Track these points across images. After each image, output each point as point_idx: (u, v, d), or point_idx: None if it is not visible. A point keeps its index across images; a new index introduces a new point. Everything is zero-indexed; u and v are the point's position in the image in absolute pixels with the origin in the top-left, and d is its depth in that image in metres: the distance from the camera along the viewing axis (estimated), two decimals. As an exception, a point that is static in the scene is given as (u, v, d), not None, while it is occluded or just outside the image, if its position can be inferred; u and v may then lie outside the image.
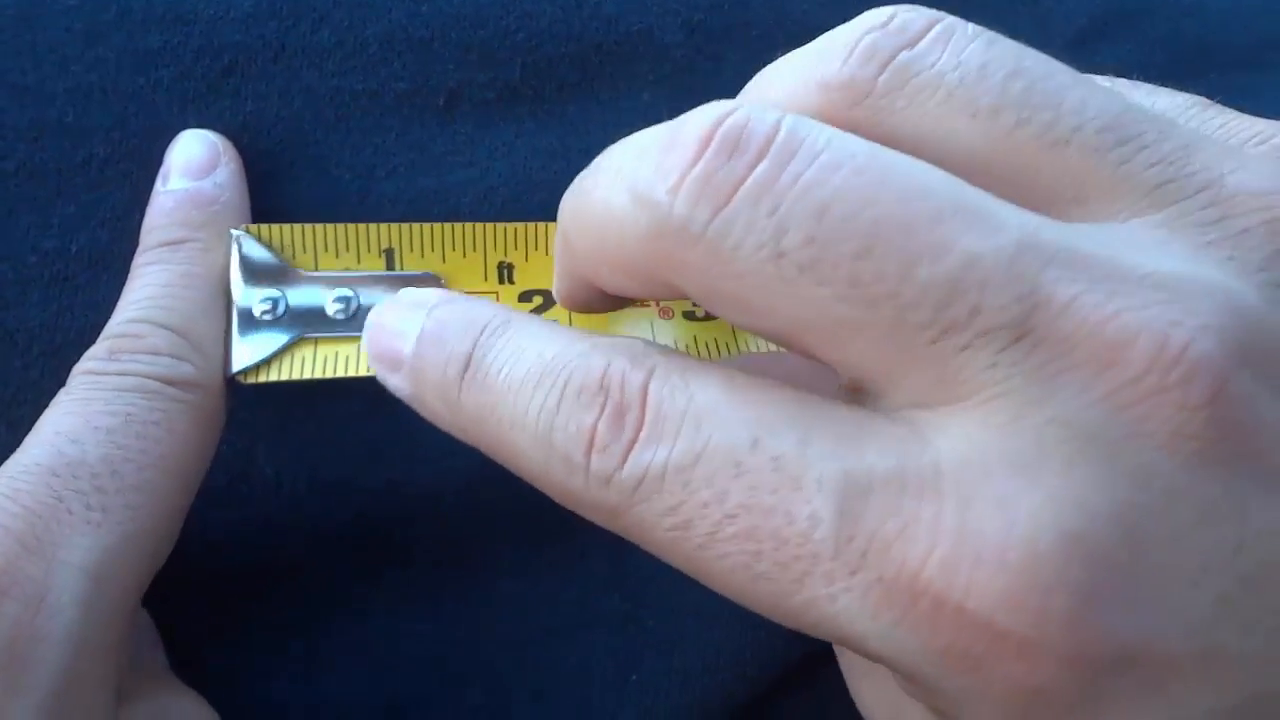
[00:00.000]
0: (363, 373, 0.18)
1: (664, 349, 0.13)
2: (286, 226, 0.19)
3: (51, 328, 0.20)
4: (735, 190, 0.12)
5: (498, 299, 0.19)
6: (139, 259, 0.19)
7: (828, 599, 0.11)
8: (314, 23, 0.21)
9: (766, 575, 0.12)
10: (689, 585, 0.22)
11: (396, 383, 0.16)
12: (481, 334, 0.14)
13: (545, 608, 0.22)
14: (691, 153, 0.12)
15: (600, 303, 0.16)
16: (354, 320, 0.19)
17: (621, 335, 0.14)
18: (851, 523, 0.11)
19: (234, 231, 0.19)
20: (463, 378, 0.14)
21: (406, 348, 0.15)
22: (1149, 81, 0.25)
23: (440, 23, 0.21)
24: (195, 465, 0.18)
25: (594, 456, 0.13)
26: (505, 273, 0.19)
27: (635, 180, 0.13)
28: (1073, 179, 0.12)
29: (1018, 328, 0.11)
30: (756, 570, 0.12)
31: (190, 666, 0.19)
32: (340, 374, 0.18)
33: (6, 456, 0.17)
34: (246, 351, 0.18)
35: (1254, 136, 0.14)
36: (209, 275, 0.19)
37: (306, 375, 0.18)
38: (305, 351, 0.19)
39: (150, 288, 0.18)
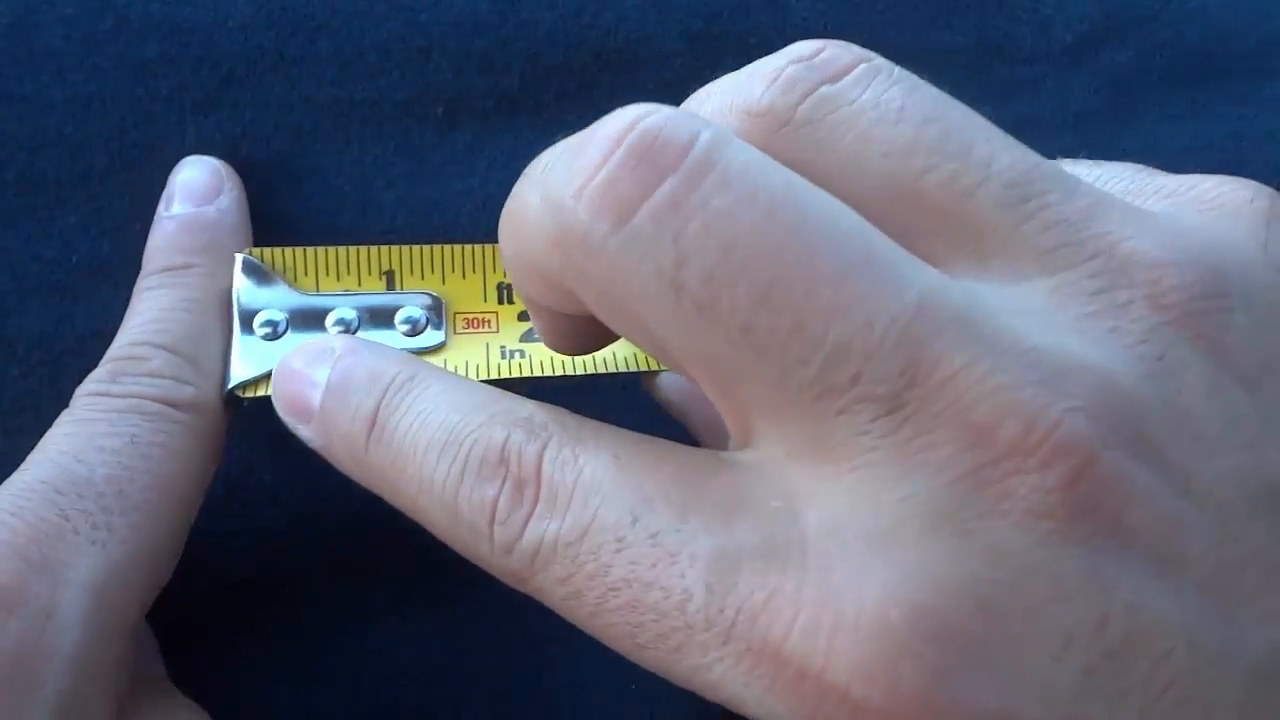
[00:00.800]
0: None
1: (561, 417, 0.14)
2: (288, 250, 0.19)
3: (51, 336, 0.20)
4: (640, 204, 0.12)
5: (497, 319, 0.19)
6: (142, 282, 0.19)
7: (705, 668, 0.12)
8: (312, 32, 0.21)
9: (649, 645, 0.12)
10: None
11: (307, 434, 0.16)
12: (386, 392, 0.15)
13: (544, 617, 0.21)
14: (600, 155, 0.12)
15: (557, 327, 0.15)
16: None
17: (518, 400, 0.14)
18: (722, 596, 0.12)
19: (237, 255, 0.19)
20: (369, 436, 0.15)
21: (315, 399, 0.16)
22: (1150, 87, 0.25)
23: (439, 32, 0.21)
24: (197, 486, 0.18)
25: (496, 528, 0.13)
26: (504, 293, 0.19)
27: (547, 182, 0.13)
28: (973, 232, 0.12)
29: (893, 400, 0.11)
30: (640, 640, 0.12)
31: (188, 675, 0.19)
32: None
33: (4, 465, 0.17)
34: (246, 369, 0.19)
35: (1180, 188, 0.14)
36: (211, 299, 0.19)
37: None
38: None
39: (152, 311, 0.19)
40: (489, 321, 0.19)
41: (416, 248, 0.19)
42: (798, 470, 0.12)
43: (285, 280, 0.19)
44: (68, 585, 0.16)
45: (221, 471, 0.20)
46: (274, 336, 0.19)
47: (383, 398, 0.15)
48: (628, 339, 0.14)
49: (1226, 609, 0.11)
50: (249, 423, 0.21)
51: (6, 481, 0.17)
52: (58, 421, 0.17)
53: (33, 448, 0.17)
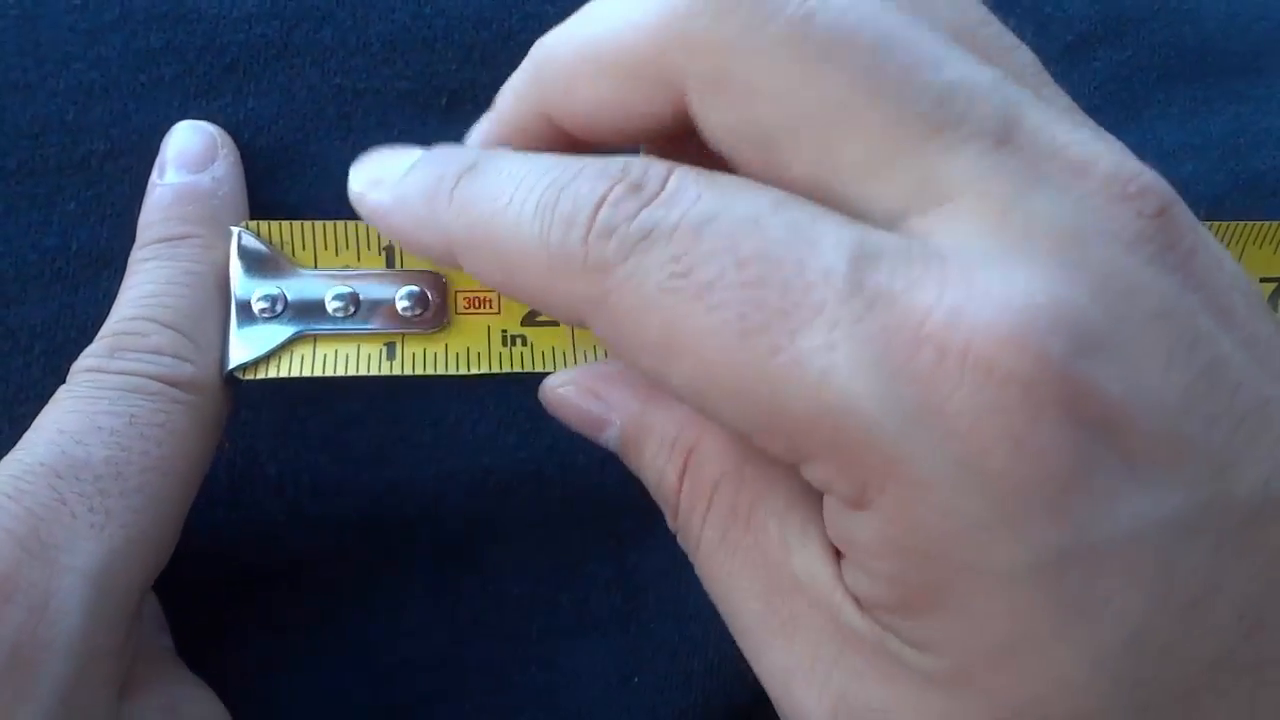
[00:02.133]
0: (363, 371, 0.18)
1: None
2: (286, 223, 0.19)
3: (53, 325, 0.20)
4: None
5: (499, 298, 0.19)
6: (137, 254, 0.19)
7: (825, 349, 0.12)
8: (317, 22, 0.21)
9: (762, 326, 0.12)
10: (691, 587, 0.22)
11: (376, 196, 0.16)
12: (486, 152, 0.15)
13: (547, 609, 0.21)
14: None
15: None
16: (354, 317, 0.18)
17: None
18: (863, 275, 0.12)
19: (233, 228, 0.19)
20: (460, 178, 0.14)
21: (404, 164, 0.15)
22: (1150, 85, 0.25)
23: (443, 24, 0.22)
24: (196, 467, 0.18)
25: (603, 210, 0.13)
26: None
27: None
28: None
29: (999, 135, 0.12)
30: (751, 322, 0.12)
31: (192, 664, 0.19)
32: (340, 372, 0.18)
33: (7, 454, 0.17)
34: (245, 348, 0.18)
35: None
36: (209, 272, 0.18)
37: (306, 373, 0.18)
38: (304, 349, 0.18)
39: (151, 284, 0.18)
40: (490, 301, 0.19)
41: None
42: (912, 222, 0.12)
43: (283, 255, 0.19)
44: (65, 571, 0.15)
45: (226, 462, 0.20)
46: (271, 313, 0.18)
47: (481, 154, 0.14)
48: (718, 122, 0.14)
49: (1265, 367, 0.13)
50: (253, 412, 0.21)
51: (4, 460, 0.16)
52: (55, 398, 0.17)
53: None
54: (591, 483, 0.21)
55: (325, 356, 0.18)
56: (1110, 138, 0.13)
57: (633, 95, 0.14)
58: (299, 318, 0.19)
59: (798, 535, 0.14)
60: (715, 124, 0.14)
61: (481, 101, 0.22)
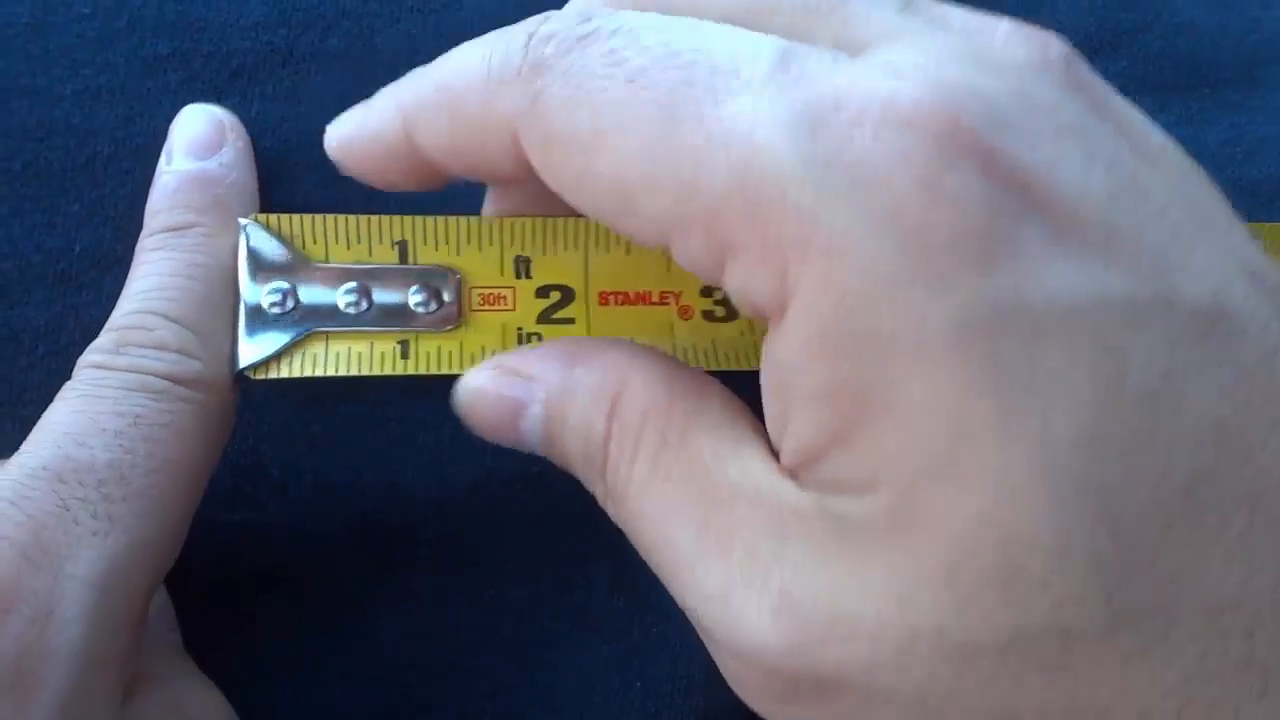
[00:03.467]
0: (377, 371, 0.18)
1: None
2: (296, 216, 0.18)
3: (56, 326, 0.20)
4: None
5: (514, 295, 0.19)
6: (143, 243, 0.19)
7: (749, 113, 0.12)
8: (322, 31, 0.21)
9: (689, 99, 0.12)
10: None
11: (334, 128, 0.17)
12: None
13: (549, 613, 0.21)
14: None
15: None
16: (366, 314, 0.18)
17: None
18: (790, 61, 0.13)
19: (242, 221, 0.18)
20: (413, 74, 0.16)
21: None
22: (1145, 95, 0.25)
23: (448, 31, 0.22)
24: (202, 468, 0.17)
25: (543, 25, 0.14)
26: (522, 267, 0.19)
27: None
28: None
29: (902, 4, 0.14)
30: (679, 96, 0.12)
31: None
32: (353, 372, 0.18)
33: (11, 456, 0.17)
34: (254, 347, 0.18)
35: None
36: (216, 264, 0.18)
37: (318, 372, 0.18)
38: (316, 347, 0.18)
39: (157, 277, 0.18)
40: (505, 298, 0.19)
41: (430, 218, 0.18)
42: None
43: (294, 249, 0.18)
44: (68, 580, 0.15)
45: (229, 464, 0.20)
46: (282, 310, 0.18)
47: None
48: (557, 181, 0.14)
49: (1189, 207, 0.13)
50: (255, 414, 0.21)
51: (9, 462, 0.16)
52: (61, 395, 0.17)
53: None
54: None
55: (338, 355, 0.18)
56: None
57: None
58: (310, 315, 0.18)
59: (731, 446, 0.14)
60: (557, 176, 0.14)
61: (484, 108, 0.22)
